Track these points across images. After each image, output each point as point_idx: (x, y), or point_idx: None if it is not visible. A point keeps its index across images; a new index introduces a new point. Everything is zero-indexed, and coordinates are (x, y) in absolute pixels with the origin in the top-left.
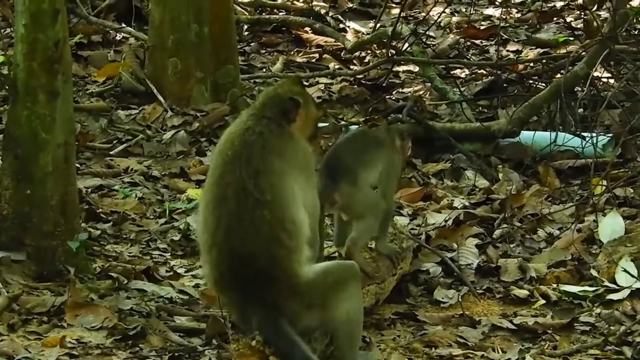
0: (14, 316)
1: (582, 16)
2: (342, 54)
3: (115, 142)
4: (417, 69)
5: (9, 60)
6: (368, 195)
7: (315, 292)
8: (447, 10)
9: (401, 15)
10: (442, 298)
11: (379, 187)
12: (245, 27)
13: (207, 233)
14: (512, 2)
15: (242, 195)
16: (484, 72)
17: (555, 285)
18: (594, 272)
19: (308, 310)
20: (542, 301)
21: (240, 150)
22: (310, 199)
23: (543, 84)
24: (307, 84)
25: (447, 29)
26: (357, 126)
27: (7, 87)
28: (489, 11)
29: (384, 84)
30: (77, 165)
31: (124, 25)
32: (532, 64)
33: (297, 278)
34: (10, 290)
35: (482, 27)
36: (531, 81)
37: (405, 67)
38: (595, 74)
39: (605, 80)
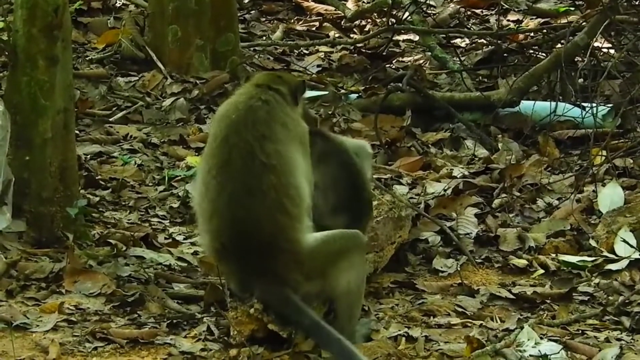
0: (12, 282)
1: None
2: (342, 22)
3: (114, 109)
4: (417, 38)
5: (9, 26)
6: None
7: (317, 261)
8: None
9: None
10: (441, 267)
11: None
12: None
13: (208, 200)
14: None
15: (249, 158)
16: (484, 41)
17: (554, 255)
18: (592, 242)
19: (309, 279)
20: (541, 271)
21: (245, 115)
22: (308, 171)
23: (543, 54)
24: (307, 52)
25: None
26: (357, 95)
27: (6, 53)
28: None
29: (384, 53)
30: (77, 131)
31: None
32: (532, 34)
33: (300, 246)
34: (8, 257)
35: None
36: (531, 51)
37: (405, 36)
38: (596, 44)
39: (605, 50)
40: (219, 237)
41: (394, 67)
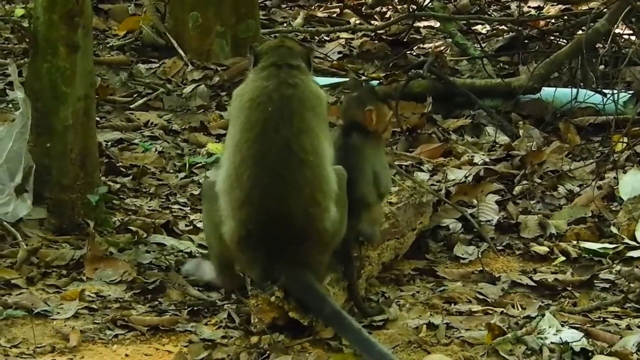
0: (33, 269)
1: None
2: (363, 8)
3: (135, 95)
4: (438, 24)
5: (30, 13)
6: None
7: (333, 244)
8: None
9: None
10: (462, 254)
11: None
12: None
13: (240, 189)
14: None
15: (286, 155)
16: (505, 28)
17: (575, 242)
18: (614, 229)
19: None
20: (562, 258)
21: (280, 106)
22: (332, 155)
23: (564, 41)
24: (327, 38)
25: None
26: (378, 81)
27: (27, 40)
28: None
29: (405, 40)
30: (97, 118)
31: None
32: (553, 20)
33: (327, 235)
34: (29, 244)
35: None
36: (552, 37)
37: (426, 23)
38: (617, 30)
39: (626, 37)
40: (247, 225)
41: (414, 53)
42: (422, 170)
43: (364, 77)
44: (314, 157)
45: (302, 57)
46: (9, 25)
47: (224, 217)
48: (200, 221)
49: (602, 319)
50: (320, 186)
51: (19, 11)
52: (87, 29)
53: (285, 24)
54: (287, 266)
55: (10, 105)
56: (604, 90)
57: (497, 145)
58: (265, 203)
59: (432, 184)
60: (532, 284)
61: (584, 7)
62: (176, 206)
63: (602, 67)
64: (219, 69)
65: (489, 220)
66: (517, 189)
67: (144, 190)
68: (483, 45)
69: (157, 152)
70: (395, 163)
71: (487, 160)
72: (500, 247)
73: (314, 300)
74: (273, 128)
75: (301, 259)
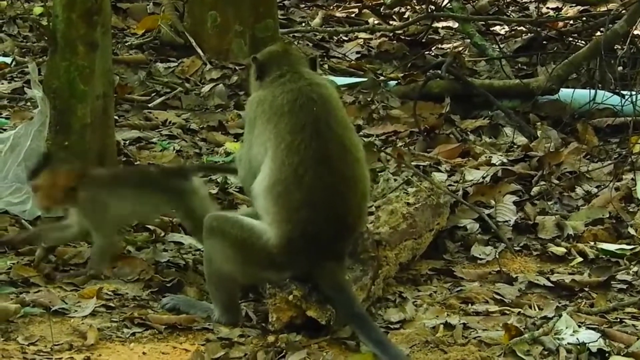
0: (51, 267)
1: None
2: (381, 9)
3: (153, 94)
4: (456, 25)
5: (49, 12)
6: None
7: None
8: None
9: None
10: (479, 254)
11: None
12: None
13: (300, 191)
14: None
15: (343, 153)
16: (524, 29)
17: (592, 243)
18: (631, 230)
19: None
20: (579, 259)
21: (325, 106)
22: None
23: (582, 42)
24: (346, 38)
25: None
26: (396, 82)
27: (46, 39)
28: None
29: (423, 40)
30: (115, 117)
31: None
32: (571, 22)
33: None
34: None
35: None
36: (571, 39)
37: (444, 23)
38: (635, 32)
39: None
40: (305, 226)
41: (433, 54)
42: (440, 171)
43: (382, 78)
44: (360, 153)
45: (310, 63)
46: (28, 23)
47: (274, 220)
48: None
49: (619, 319)
50: (367, 181)
51: (38, 9)
52: (105, 28)
53: (303, 24)
54: (328, 263)
55: (28, 104)
56: (622, 92)
57: (515, 146)
58: (330, 203)
59: (450, 185)
60: (550, 284)
61: (603, 9)
62: None
63: (620, 68)
64: (237, 68)
65: (506, 221)
66: (535, 189)
67: None
68: (501, 46)
69: (175, 151)
70: (413, 163)
71: (504, 161)
72: (517, 248)
73: (345, 298)
74: (326, 127)
75: (342, 254)
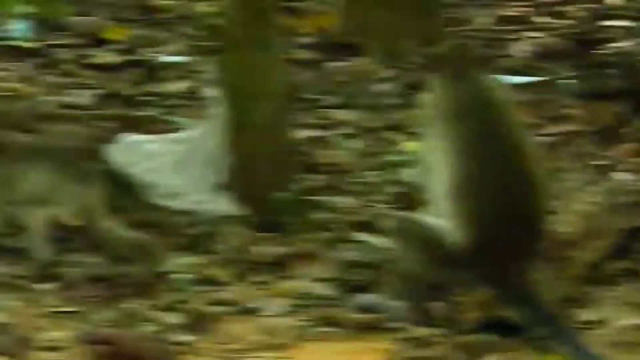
0: (239, 266)
1: None
2: (552, 7)
3: (326, 94)
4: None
5: (220, 11)
6: None
7: None
8: None
9: None
10: None
11: None
12: None
13: (483, 193)
14: None
15: (521, 154)
16: None
17: None
18: None
19: None
20: None
21: (498, 107)
22: None
23: None
24: (515, 37)
25: None
26: (569, 81)
27: (218, 38)
28: None
29: (594, 39)
30: (291, 116)
31: None
32: None
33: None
34: (232, 242)
35: None
36: None
37: (616, 22)
38: None
39: None
40: (490, 227)
41: (606, 52)
42: (620, 170)
43: (555, 76)
44: (537, 153)
45: (482, 62)
46: (199, 23)
47: (453, 223)
48: None
49: None
50: (547, 181)
51: (207, 8)
52: (277, 27)
53: (471, 22)
54: (516, 262)
55: (205, 104)
56: None
57: None
58: (511, 203)
59: (632, 184)
60: None
61: None
62: (375, 204)
63: None
64: (409, 67)
65: None
66: None
67: (342, 188)
68: None
69: (352, 150)
70: (592, 162)
71: None
72: None
73: (535, 299)
74: (502, 128)
75: (530, 254)
